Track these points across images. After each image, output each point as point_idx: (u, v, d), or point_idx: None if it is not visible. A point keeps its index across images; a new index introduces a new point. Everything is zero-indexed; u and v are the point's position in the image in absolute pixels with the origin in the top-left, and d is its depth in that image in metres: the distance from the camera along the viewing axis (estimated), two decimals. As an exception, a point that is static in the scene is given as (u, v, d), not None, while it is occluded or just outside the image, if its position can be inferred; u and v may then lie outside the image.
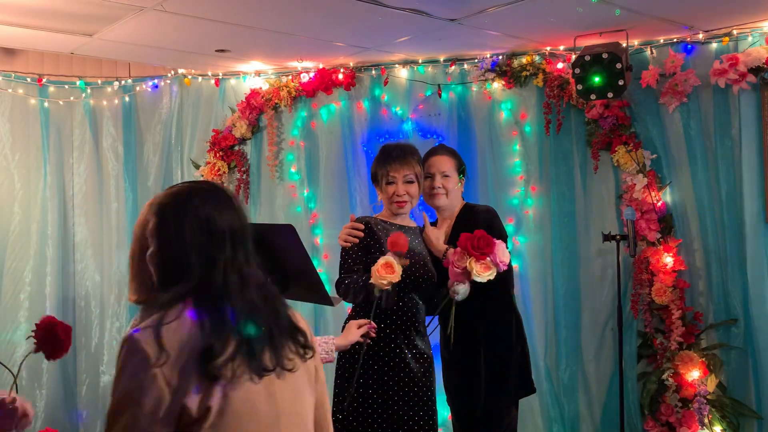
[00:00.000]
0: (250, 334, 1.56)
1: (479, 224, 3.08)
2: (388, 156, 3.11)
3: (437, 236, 3.15)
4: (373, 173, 3.17)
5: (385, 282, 2.75)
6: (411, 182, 3.08)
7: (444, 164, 3.26)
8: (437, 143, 4.66)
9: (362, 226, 3.05)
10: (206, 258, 1.59)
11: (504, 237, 3.15)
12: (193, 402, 1.48)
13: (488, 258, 2.77)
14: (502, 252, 2.81)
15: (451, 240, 3.14)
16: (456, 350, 3.13)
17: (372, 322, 2.79)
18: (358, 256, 3.03)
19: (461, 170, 3.32)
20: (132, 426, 1.46)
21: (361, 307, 3.05)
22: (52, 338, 2.10)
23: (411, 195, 3.09)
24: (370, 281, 2.81)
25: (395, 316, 3.04)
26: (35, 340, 2.07)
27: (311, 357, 1.72)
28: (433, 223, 3.29)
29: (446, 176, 3.24)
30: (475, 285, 2.86)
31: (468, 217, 3.23)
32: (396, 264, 2.76)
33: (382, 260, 2.76)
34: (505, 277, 3.03)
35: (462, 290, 2.86)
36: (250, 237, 1.68)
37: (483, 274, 2.77)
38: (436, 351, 3.23)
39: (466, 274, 2.79)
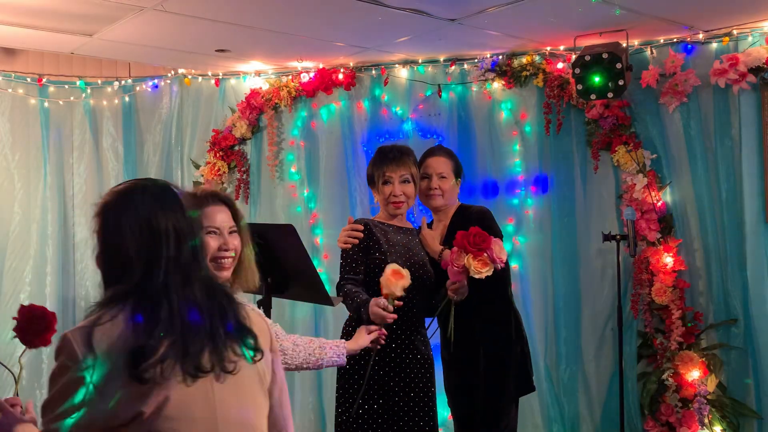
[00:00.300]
0: (186, 333, 1.50)
1: (473, 225, 3.10)
2: (384, 157, 3.12)
3: (432, 237, 3.16)
4: (369, 175, 3.17)
5: (398, 289, 2.72)
6: (407, 182, 3.08)
7: (440, 165, 3.26)
8: (437, 143, 4.67)
9: (361, 227, 3.04)
10: (147, 257, 1.54)
11: (499, 237, 3.14)
12: (121, 406, 1.44)
13: (485, 254, 2.77)
14: (499, 248, 2.80)
15: (446, 241, 3.15)
16: (455, 350, 3.13)
17: (382, 328, 2.78)
18: (359, 257, 3.03)
19: (458, 171, 3.33)
20: (56, 423, 1.43)
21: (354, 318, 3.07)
22: (33, 326, 2.11)
23: (407, 195, 3.08)
24: (383, 292, 2.75)
25: (397, 319, 3.04)
26: (15, 331, 2.09)
27: (259, 359, 1.63)
28: (430, 224, 3.30)
29: (443, 177, 3.24)
30: (473, 284, 2.85)
31: (463, 217, 3.23)
32: (401, 269, 2.74)
33: (388, 269, 2.73)
34: (502, 276, 3.04)
35: (461, 290, 2.86)
36: (199, 234, 1.64)
37: (481, 270, 2.76)
38: (436, 352, 3.23)
39: (465, 272, 2.78)
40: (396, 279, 2.71)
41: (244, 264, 2.07)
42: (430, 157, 3.31)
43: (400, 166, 3.08)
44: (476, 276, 2.76)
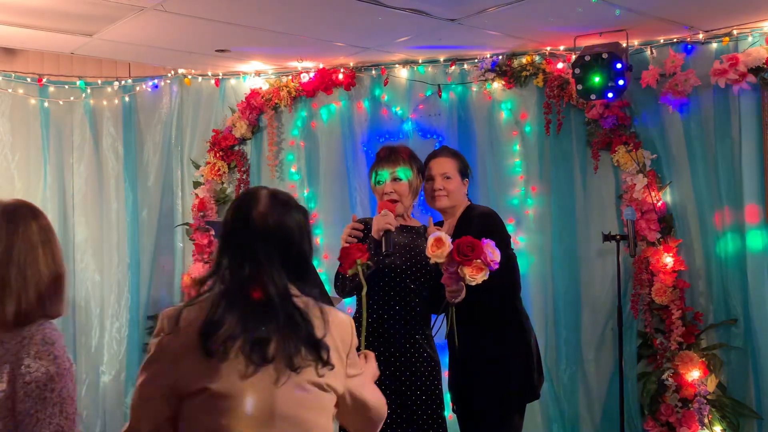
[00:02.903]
0: (251, 321, 1.67)
1: (474, 227, 3.08)
2: (377, 157, 3.18)
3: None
4: (369, 178, 3.21)
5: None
6: (398, 180, 3.09)
7: (445, 166, 3.24)
8: (438, 144, 4.67)
9: (362, 226, 3.08)
10: (239, 258, 1.75)
11: (504, 238, 3.13)
12: (189, 376, 1.65)
13: (479, 260, 2.75)
14: (491, 251, 2.76)
15: (453, 235, 3.13)
16: (459, 351, 3.10)
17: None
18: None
19: (465, 171, 3.30)
20: (142, 383, 1.72)
21: (360, 305, 3.07)
22: None
23: (400, 193, 3.09)
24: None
25: (398, 317, 3.04)
26: None
27: (329, 370, 1.73)
28: (438, 224, 3.29)
29: (447, 178, 3.22)
30: (477, 289, 2.85)
31: (467, 218, 3.22)
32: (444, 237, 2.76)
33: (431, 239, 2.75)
34: (508, 280, 3.04)
35: (457, 293, 2.84)
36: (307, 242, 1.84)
37: (475, 277, 2.72)
38: (443, 351, 3.23)
39: (458, 278, 2.77)
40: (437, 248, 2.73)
41: None
42: (435, 158, 3.29)
43: (391, 164, 3.10)
44: (472, 283, 2.73)
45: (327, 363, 1.71)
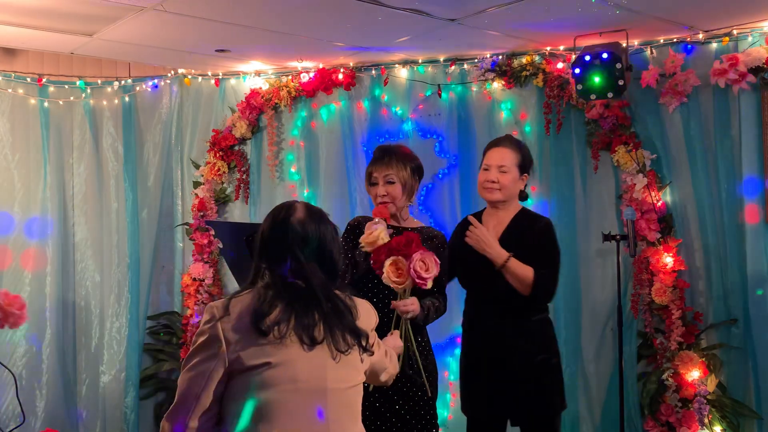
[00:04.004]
0: (299, 306, 1.89)
1: (529, 240, 3.01)
2: (373, 158, 3.16)
3: (493, 239, 3.03)
4: (365, 177, 3.20)
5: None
6: (392, 183, 3.07)
7: (503, 157, 3.07)
8: (437, 144, 4.67)
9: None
10: (281, 257, 1.97)
11: (555, 254, 3.07)
12: (248, 354, 1.84)
13: (407, 263, 2.64)
14: (424, 264, 2.63)
15: (503, 239, 3.05)
16: (488, 354, 3.06)
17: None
18: (349, 250, 3.07)
19: (525, 166, 3.11)
20: (196, 362, 1.87)
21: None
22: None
23: (392, 196, 3.07)
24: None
25: (392, 315, 3.04)
26: None
27: (370, 355, 2.03)
28: (478, 214, 3.20)
29: (503, 171, 3.05)
30: (512, 293, 2.88)
31: (524, 226, 3.09)
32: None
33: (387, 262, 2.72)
34: (546, 288, 3.03)
35: (408, 309, 2.77)
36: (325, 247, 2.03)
37: (393, 279, 2.65)
38: (437, 351, 3.22)
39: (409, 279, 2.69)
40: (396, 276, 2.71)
41: None
42: (493, 148, 3.13)
43: (385, 166, 3.08)
44: (387, 282, 2.65)
45: (367, 350, 1.99)
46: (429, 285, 2.71)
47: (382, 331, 3.22)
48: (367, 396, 2.99)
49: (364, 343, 1.97)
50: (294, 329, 1.87)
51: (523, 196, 3.23)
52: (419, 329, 3.07)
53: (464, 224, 3.18)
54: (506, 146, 3.11)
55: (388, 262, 2.66)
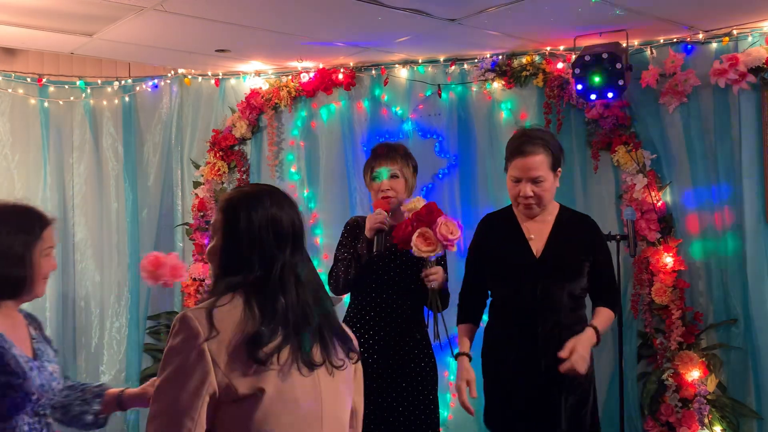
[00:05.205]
0: (298, 328, 1.65)
1: (586, 236, 2.90)
2: (374, 153, 3.20)
3: (587, 352, 2.74)
4: (364, 175, 3.21)
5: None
6: (396, 177, 3.11)
7: (535, 166, 2.71)
8: (438, 144, 4.66)
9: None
10: (269, 254, 1.68)
11: (609, 252, 3.00)
12: (240, 382, 1.56)
13: (430, 232, 2.71)
14: (447, 228, 2.71)
15: (552, 239, 2.85)
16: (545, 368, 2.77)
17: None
18: (347, 249, 3.14)
19: (557, 163, 2.79)
20: (177, 398, 1.54)
21: (355, 305, 3.11)
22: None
23: (396, 190, 3.11)
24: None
25: (395, 314, 3.05)
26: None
27: (356, 362, 1.82)
28: (502, 213, 3.00)
29: (539, 181, 2.73)
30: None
31: (572, 223, 2.92)
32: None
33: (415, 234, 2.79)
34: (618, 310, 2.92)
35: (433, 277, 2.86)
36: (305, 239, 1.78)
37: (422, 249, 2.72)
38: (437, 350, 3.22)
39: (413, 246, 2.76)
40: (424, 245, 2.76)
41: None
42: (519, 158, 2.73)
43: (390, 161, 3.11)
44: (417, 253, 2.72)
45: (351, 356, 1.77)
46: (454, 248, 2.81)
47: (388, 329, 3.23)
48: (369, 395, 3.02)
49: (350, 345, 1.79)
50: (294, 357, 1.63)
51: None
52: (417, 324, 3.09)
53: (488, 222, 3.01)
54: (534, 152, 2.72)
55: (415, 235, 2.72)
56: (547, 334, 2.75)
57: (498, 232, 2.93)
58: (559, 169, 2.83)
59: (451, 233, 2.73)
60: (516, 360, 2.79)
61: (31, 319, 2.30)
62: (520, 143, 2.77)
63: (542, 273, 2.78)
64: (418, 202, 2.86)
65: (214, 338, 1.56)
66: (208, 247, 1.75)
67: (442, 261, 3.15)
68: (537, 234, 2.84)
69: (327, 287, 2.97)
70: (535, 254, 2.82)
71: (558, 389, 2.76)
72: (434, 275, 2.90)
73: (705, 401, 3.95)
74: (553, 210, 2.91)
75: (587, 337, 2.74)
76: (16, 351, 2.08)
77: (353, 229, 3.18)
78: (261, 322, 1.60)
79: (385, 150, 3.18)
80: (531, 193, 2.74)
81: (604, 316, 2.92)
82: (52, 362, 2.19)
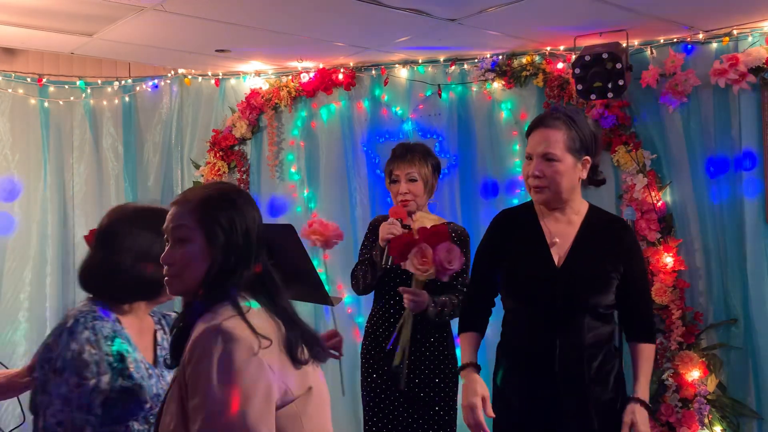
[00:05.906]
0: (299, 325, 1.67)
1: (618, 241, 2.45)
2: (393, 155, 3.19)
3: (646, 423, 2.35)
4: (385, 174, 3.25)
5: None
6: (414, 181, 3.11)
7: (548, 140, 2.30)
8: (438, 144, 4.66)
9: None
10: (253, 259, 1.69)
11: (646, 267, 2.79)
12: (293, 384, 1.58)
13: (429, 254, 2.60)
14: (450, 258, 2.57)
15: (577, 246, 2.43)
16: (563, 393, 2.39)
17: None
18: (369, 251, 3.18)
19: (582, 146, 2.34)
20: (245, 415, 1.45)
21: (378, 308, 3.16)
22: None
23: (414, 194, 3.11)
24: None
25: (415, 320, 3.06)
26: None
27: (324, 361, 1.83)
28: (520, 210, 2.62)
29: (550, 159, 2.30)
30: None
31: (602, 226, 2.48)
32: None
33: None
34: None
35: (417, 301, 2.80)
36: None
37: (415, 264, 2.63)
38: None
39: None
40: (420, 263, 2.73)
41: None
42: (535, 130, 2.36)
43: (407, 164, 3.12)
44: (408, 268, 2.65)
45: (320, 355, 1.74)
46: (446, 279, 2.75)
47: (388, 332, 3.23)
48: (380, 401, 3.03)
49: (322, 345, 1.78)
50: (309, 352, 1.68)
51: (594, 181, 2.50)
52: (438, 330, 3.08)
53: (504, 219, 2.60)
54: (552, 126, 2.31)
55: (415, 249, 2.64)
56: (566, 358, 2.35)
57: (515, 232, 2.52)
58: (587, 157, 2.37)
59: (449, 262, 2.57)
60: (528, 396, 2.41)
61: (164, 324, 2.24)
62: (543, 116, 2.44)
63: (563, 286, 2.38)
64: (428, 221, 2.77)
65: (265, 349, 1.52)
66: (183, 252, 1.69)
67: (437, 284, 2.93)
68: (561, 237, 2.43)
69: (327, 286, 3.00)
70: (556, 264, 2.41)
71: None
72: (415, 297, 2.76)
73: (705, 401, 3.95)
74: (580, 209, 2.47)
75: (643, 419, 2.34)
76: (138, 356, 2.04)
77: (375, 228, 3.18)
78: (280, 325, 1.62)
79: (402, 151, 3.18)
80: (539, 173, 2.32)
81: (647, 367, 2.43)
82: (172, 371, 2.15)
